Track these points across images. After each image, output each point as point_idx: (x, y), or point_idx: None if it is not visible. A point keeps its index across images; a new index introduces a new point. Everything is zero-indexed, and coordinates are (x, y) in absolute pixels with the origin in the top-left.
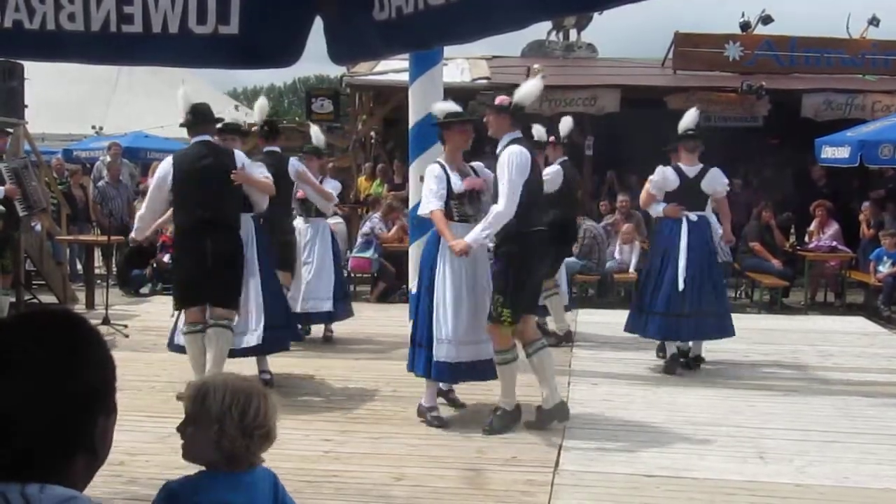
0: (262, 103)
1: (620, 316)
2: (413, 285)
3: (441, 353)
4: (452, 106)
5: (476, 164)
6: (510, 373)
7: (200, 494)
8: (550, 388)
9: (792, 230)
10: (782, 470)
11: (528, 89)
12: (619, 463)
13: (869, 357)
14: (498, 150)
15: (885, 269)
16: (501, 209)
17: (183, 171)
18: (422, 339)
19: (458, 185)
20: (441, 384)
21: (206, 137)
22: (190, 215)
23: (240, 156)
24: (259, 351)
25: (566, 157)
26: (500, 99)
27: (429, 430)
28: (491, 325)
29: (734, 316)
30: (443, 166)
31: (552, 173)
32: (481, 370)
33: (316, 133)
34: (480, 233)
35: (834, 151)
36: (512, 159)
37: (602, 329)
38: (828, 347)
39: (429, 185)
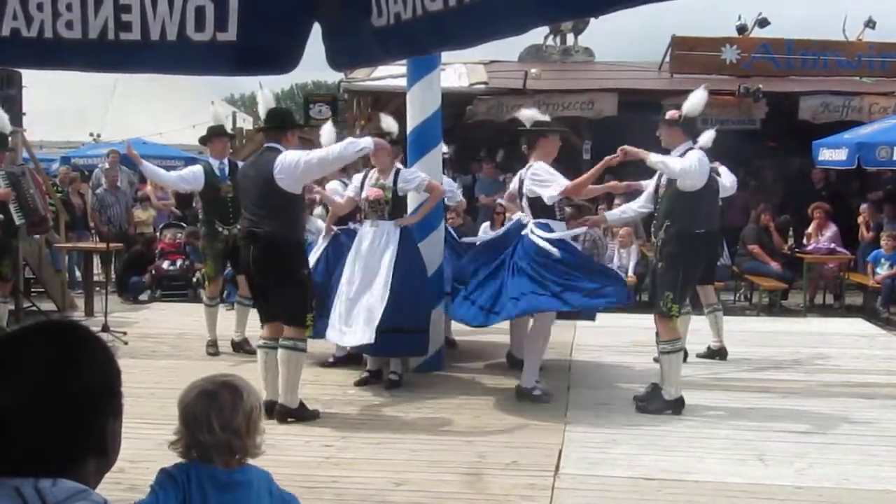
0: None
1: (620, 319)
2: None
3: None
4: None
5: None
6: (677, 362)
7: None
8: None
9: (790, 232)
10: (782, 472)
11: (696, 101)
12: (619, 466)
13: (868, 359)
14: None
15: (883, 270)
16: (679, 166)
17: (237, 179)
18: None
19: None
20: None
21: (272, 144)
22: (242, 225)
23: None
24: (372, 350)
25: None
26: (671, 113)
27: (429, 435)
28: (661, 318)
29: (734, 318)
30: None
31: (733, 181)
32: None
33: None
34: (654, 158)
35: (831, 154)
36: (697, 156)
37: (601, 333)
38: (827, 349)
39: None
